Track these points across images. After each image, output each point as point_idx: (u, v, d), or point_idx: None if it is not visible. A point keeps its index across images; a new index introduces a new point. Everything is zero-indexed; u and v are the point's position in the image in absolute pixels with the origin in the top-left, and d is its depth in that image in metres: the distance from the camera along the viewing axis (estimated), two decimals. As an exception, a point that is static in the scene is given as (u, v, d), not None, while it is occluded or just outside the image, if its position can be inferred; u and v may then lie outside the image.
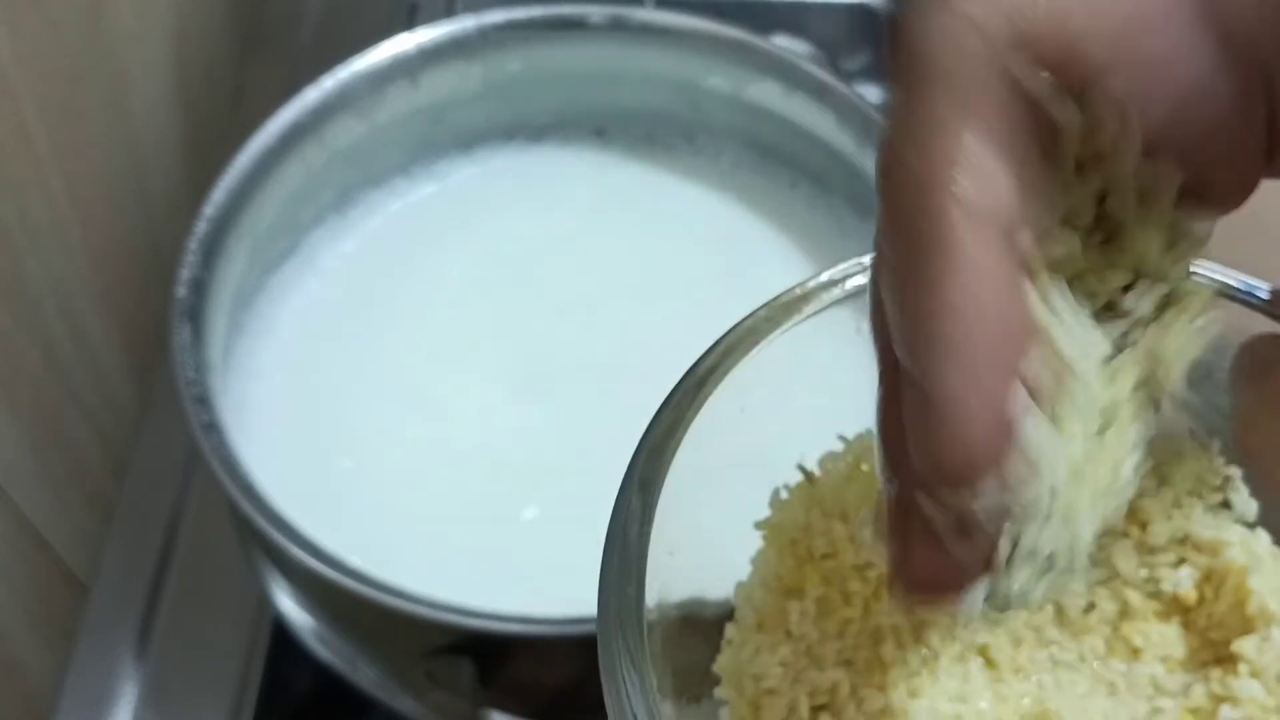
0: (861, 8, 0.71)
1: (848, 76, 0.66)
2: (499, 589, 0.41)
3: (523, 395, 0.47)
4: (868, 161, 0.48)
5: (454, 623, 0.37)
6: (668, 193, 0.53)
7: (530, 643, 0.38)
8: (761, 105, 0.51)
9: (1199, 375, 0.25)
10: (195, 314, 0.43)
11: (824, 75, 0.49)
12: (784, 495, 0.28)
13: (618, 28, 0.51)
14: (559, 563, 0.43)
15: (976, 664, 0.26)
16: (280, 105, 0.48)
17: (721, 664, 0.27)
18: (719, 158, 0.54)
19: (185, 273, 0.44)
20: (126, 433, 0.56)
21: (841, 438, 0.28)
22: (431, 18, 0.65)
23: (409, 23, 0.70)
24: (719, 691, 0.27)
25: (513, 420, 0.46)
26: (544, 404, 0.47)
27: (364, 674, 0.44)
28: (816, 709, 0.27)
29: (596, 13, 0.51)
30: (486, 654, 0.39)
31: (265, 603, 0.49)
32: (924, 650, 0.26)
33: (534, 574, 0.43)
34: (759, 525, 0.28)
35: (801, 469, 0.28)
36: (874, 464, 0.27)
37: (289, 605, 0.45)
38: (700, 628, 0.28)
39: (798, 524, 0.28)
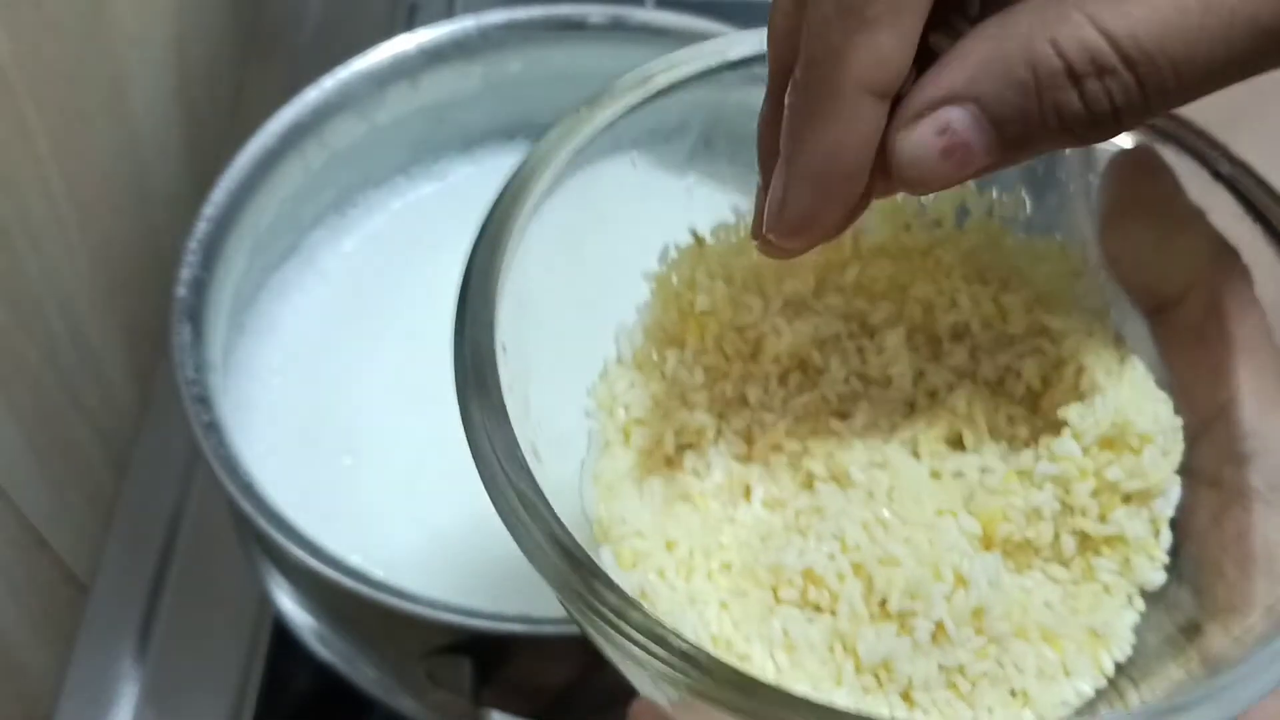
0: (861, 8, 0.71)
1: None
2: (499, 589, 0.41)
3: (523, 395, 0.47)
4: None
5: (454, 623, 0.37)
6: (668, 193, 0.53)
7: (530, 643, 0.38)
8: (761, 106, 0.51)
9: (1076, 188, 0.29)
10: (196, 314, 0.43)
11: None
12: (674, 253, 0.30)
13: (618, 28, 0.51)
14: (559, 562, 0.43)
15: (827, 439, 0.28)
16: (281, 105, 0.48)
17: (595, 390, 0.29)
18: (719, 158, 0.54)
19: (186, 272, 0.44)
20: (127, 432, 0.56)
21: (734, 209, 0.30)
22: (432, 18, 0.65)
23: (409, 23, 0.70)
24: (588, 414, 0.29)
25: (513, 420, 0.46)
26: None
27: (364, 674, 0.44)
28: (682, 447, 0.29)
29: (596, 13, 0.51)
30: (486, 654, 0.39)
31: (265, 602, 0.49)
32: (787, 409, 0.29)
33: (534, 574, 0.43)
34: (646, 276, 0.30)
35: (693, 232, 0.30)
36: None
37: (289, 605, 0.45)
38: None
39: (684, 280, 0.30)
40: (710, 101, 0.31)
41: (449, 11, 0.67)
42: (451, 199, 0.53)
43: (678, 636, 0.22)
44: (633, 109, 0.30)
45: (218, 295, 0.44)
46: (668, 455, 0.29)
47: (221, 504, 0.49)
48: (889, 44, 0.23)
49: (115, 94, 0.53)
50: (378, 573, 0.38)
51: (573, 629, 0.37)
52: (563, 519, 0.25)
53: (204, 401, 0.41)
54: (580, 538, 0.24)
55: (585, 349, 0.30)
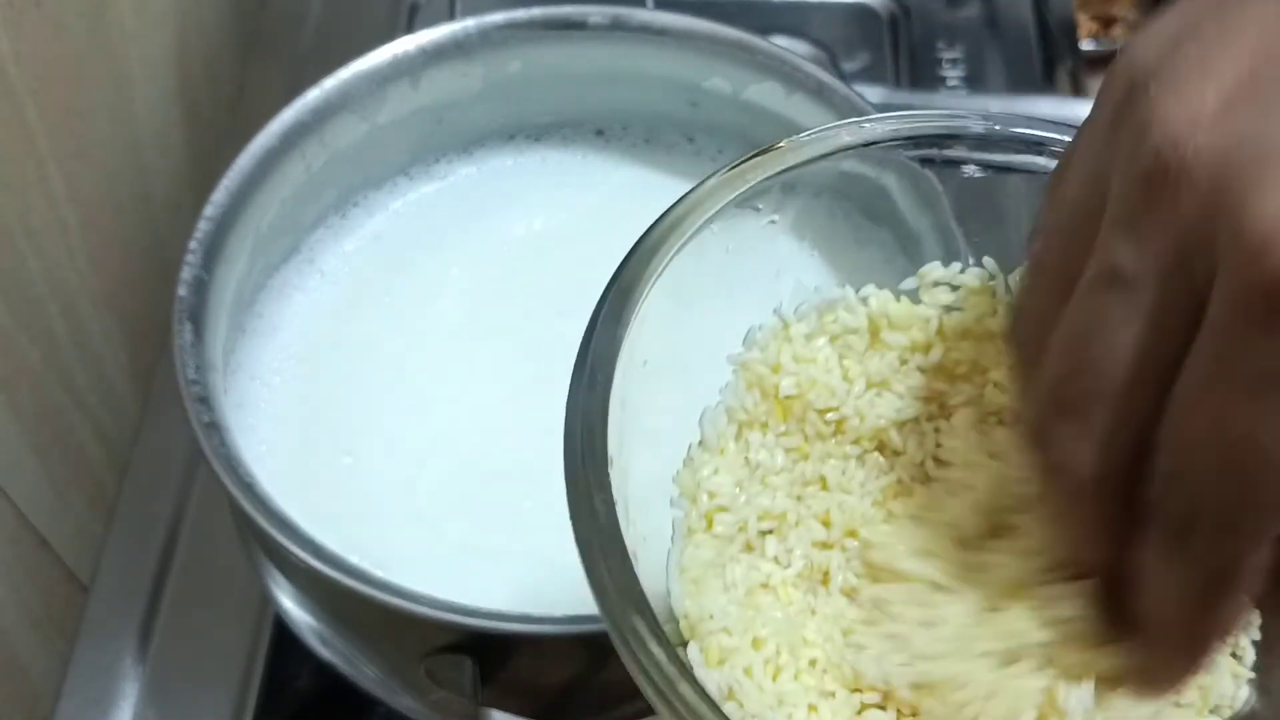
0: (861, 8, 0.71)
1: (848, 76, 0.66)
2: (499, 588, 0.41)
3: (522, 395, 0.47)
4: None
5: (454, 622, 0.37)
6: (668, 193, 0.53)
7: (530, 642, 0.38)
8: (761, 106, 0.51)
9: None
10: (197, 314, 0.43)
11: (824, 75, 0.50)
12: (758, 335, 0.30)
13: (618, 28, 0.51)
14: (559, 562, 0.43)
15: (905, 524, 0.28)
16: (281, 105, 0.48)
17: (680, 477, 0.29)
18: (719, 158, 0.54)
19: (187, 273, 0.44)
20: (128, 432, 0.56)
21: (817, 290, 0.30)
22: (432, 18, 0.65)
23: (410, 23, 0.70)
24: (673, 504, 0.29)
25: (513, 420, 0.46)
26: (543, 403, 0.46)
27: (364, 673, 0.44)
28: (764, 532, 0.29)
29: (596, 13, 0.51)
30: (487, 653, 0.39)
31: (266, 602, 0.49)
32: (865, 492, 0.29)
33: (534, 573, 0.43)
34: (731, 359, 0.30)
35: (777, 313, 0.30)
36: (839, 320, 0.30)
37: (290, 604, 0.46)
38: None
39: (769, 362, 0.30)
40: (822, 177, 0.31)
41: (449, 12, 0.67)
42: (452, 199, 0.53)
43: None
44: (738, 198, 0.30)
45: (219, 295, 0.44)
46: (749, 541, 0.29)
47: (222, 504, 0.49)
48: None
49: (116, 94, 0.53)
50: (378, 573, 0.38)
51: (572, 629, 0.37)
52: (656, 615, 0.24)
53: (205, 401, 0.41)
54: (669, 633, 0.24)
55: (674, 436, 0.30)
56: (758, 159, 0.30)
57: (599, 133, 0.55)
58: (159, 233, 0.57)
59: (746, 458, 0.29)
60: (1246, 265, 0.20)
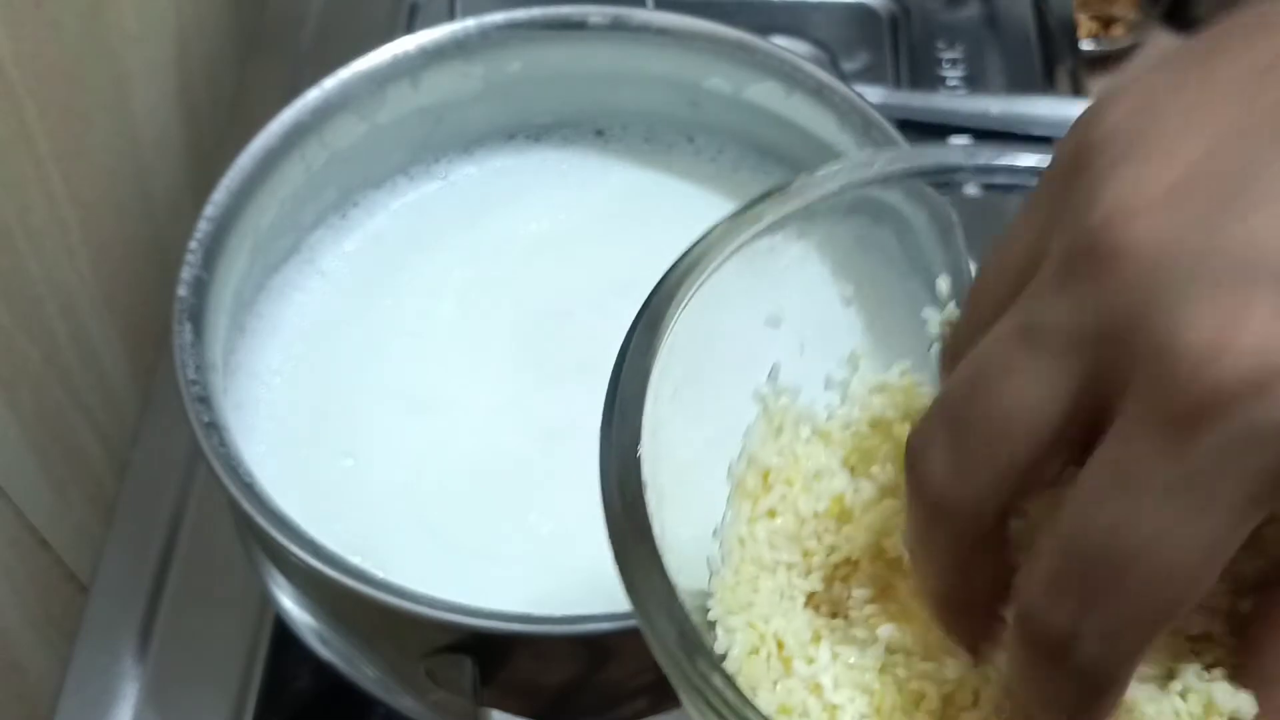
0: (861, 7, 0.71)
1: (848, 76, 0.66)
2: (499, 588, 0.41)
3: (522, 395, 0.47)
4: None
5: (454, 622, 0.37)
6: (668, 193, 0.53)
7: (530, 642, 0.38)
8: (761, 105, 0.51)
9: None
10: (196, 314, 0.43)
11: (824, 75, 0.49)
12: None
13: (618, 28, 0.51)
14: (559, 562, 0.43)
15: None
16: (281, 106, 0.48)
17: (722, 532, 0.29)
18: (719, 158, 0.54)
19: (186, 273, 0.44)
20: (127, 432, 0.56)
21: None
22: (432, 18, 0.65)
23: (410, 23, 0.70)
24: (711, 554, 0.28)
25: (513, 420, 0.46)
26: (544, 403, 0.47)
27: (364, 673, 0.44)
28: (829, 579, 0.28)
29: (596, 13, 0.51)
30: (487, 653, 0.39)
31: (266, 602, 0.49)
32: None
33: (534, 573, 0.43)
34: (757, 396, 0.29)
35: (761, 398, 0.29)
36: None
37: (290, 604, 0.45)
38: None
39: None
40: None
41: (449, 12, 0.67)
42: (452, 199, 0.53)
43: None
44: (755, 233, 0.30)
45: (219, 295, 0.44)
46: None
47: (222, 504, 0.49)
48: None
49: (116, 94, 0.53)
50: (378, 573, 0.38)
51: (573, 629, 0.37)
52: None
53: (205, 401, 0.41)
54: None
55: (703, 471, 0.29)
56: (778, 195, 0.30)
57: (599, 133, 0.55)
58: (159, 233, 0.57)
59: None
60: (1171, 377, 0.20)
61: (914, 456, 0.24)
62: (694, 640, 0.24)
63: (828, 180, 0.30)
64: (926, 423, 0.24)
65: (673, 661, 0.24)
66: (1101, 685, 0.22)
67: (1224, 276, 0.20)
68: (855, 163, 0.31)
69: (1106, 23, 0.71)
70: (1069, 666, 0.21)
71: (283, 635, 0.48)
